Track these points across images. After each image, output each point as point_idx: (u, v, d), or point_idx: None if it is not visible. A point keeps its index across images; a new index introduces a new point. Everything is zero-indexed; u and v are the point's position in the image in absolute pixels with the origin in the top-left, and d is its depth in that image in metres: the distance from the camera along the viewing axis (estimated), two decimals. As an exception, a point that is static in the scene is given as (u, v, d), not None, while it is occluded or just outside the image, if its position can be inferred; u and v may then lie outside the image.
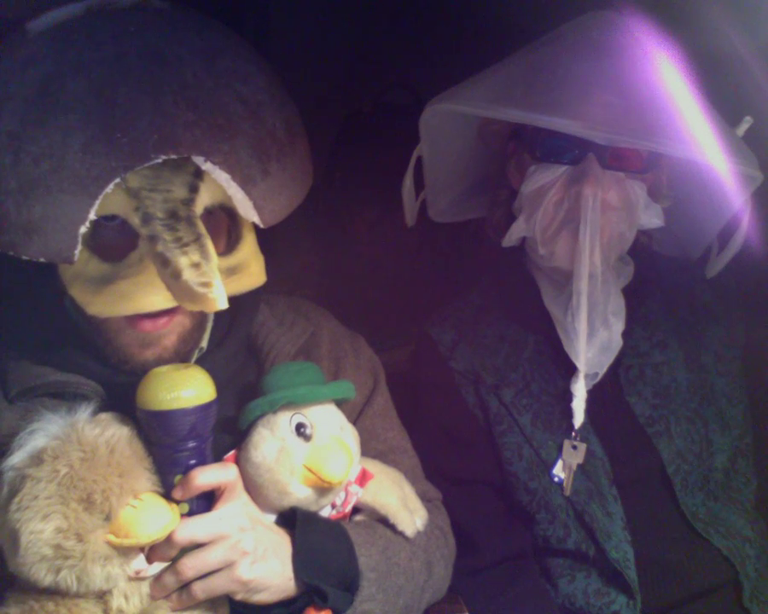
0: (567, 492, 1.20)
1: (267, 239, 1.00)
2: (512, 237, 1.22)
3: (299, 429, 0.94)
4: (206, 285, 0.81)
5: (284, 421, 0.94)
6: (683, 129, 1.03)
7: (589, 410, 1.21)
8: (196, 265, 0.82)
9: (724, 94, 1.12)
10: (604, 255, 1.14)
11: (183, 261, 0.81)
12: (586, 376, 1.18)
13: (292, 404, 0.95)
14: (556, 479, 1.21)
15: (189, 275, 0.81)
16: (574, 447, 1.21)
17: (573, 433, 1.21)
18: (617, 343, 1.19)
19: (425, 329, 1.37)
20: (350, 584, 0.96)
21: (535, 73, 1.12)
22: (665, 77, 1.04)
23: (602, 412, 1.23)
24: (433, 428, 1.30)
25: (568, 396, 1.20)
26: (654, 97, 1.05)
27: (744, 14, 1.03)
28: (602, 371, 1.20)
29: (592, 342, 1.17)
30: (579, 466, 1.21)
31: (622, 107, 1.04)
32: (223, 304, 0.83)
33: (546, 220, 1.16)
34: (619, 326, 1.18)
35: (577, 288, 1.13)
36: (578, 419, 1.19)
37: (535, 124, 1.10)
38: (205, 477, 0.88)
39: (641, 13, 1.12)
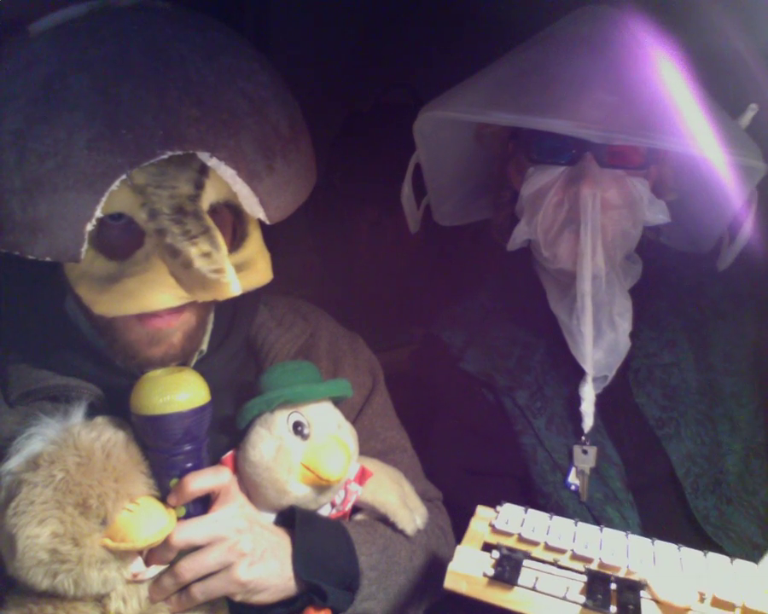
0: (584, 497, 1.18)
1: (267, 238, 1.00)
2: (515, 241, 1.20)
3: (297, 427, 0.94)
4: (218, 271, 0.83)
5: (281, 420, 0.94)
6: (680, 122, 1.01)
7: (602, 414, 1.19)
8: (207, 254, 0.83)
9: (722, 87, 1.11)
10: (609, 255, 1.12)
11: (193, 251, 0.83)
12: (595, 379, 1.16)
13: (289, 403, 0.95)
14: (573, 487, 1.19)
15: (200, 264, 0.82)
16: (585, 451, 1.18)
17: (583, 437, 1.18)
18: (624, 344, 1.17)
19: (434, 332, 1.35)
20: (350, 583, 0.97)
21: (527, 74, 1.10)
22: (659, 70, 1.02)
23: (614, 415, 1.21)
24: (454, 425, 1.29)
25: (580, 400, 1.18)
26: (649, 91, 1.03)
27: (739, 9, 1.02)
28: (611, 373, 1.17)
29: (599, 344, 1.15)
30: (595, 471, 1.18)
31: (616, 103, 1.02)
32: (236, 289, 0.86)
33: (547, 222, 1.14)
34: (625, 326, 1.16)
35: (581, 290, 1.11)
36: (588, 423, 1.17)
37: (528, 127, 1.08)
38: (198, 482, 0.88)
39: (634, 6, 1.11)
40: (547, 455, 1.21)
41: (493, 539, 0.90)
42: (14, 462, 0.82)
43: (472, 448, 1.27)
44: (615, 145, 1.09)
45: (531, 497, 1.23)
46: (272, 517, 0.97)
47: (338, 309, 1.27)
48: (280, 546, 0.92)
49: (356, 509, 1.05)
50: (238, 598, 0.89)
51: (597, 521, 1.16)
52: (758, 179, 1.08)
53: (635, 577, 0.83)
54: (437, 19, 1.90)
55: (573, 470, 1.19)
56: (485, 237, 1.34)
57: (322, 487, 0.94)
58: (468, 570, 0.83)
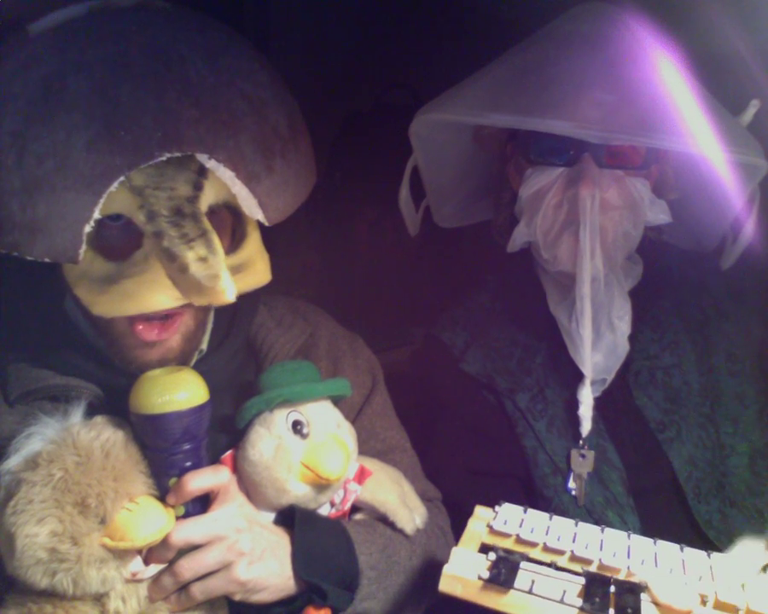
0: (581, 502, 1.17)
1: (267, 239, 1.00)
2: (515, 243, 1.19)
3: (296, 426, 0.94)
4: (213, 277, 0.84)
5: (281, 419, 0.94)
6: (680, 121, 1.00)
7: (603, 417, 1.18)
8: (203, 259, 0.83)
9: (722, 86, 1.10)
10: (610, 256, 1.11)
11: (190, 255, 0.83)
12: (594, 382, 1.15)
13: (288, 402, 0.95)
14: (573, 492, 1.18)
15: (196, 269, 0.83)
16: (582, 456, 1.18)
17: (581, 441, 1.18)
18: (623, 347, 1.16)
19: (435, 333, 1.35)
20: (350, 583, 0.97)
21: (525, 74, 1.09)
22: (659, 68, 1.02)
23: (615, 418, 1.20)
24: (455, 425, 1.29)
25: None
26: (648, 90, 1.02)
27: (739, 8, 1.01)
28: (610, 376, 1.17)
29: (598, 347, 1.14)
30: (596, 475, 1.17)
31: (615, 103, 1.02)
32: (231, 296, 0.86)
33: (546, 224, 1.13)
34: (624, 328, 1.15)
35: (580, 293, 1.10)
36: (585, 427, 1.16)
37: (525, 128, 1.08)
38: (197, 481, 0.88)
39: (633, 4, 1.10)
40: (548, 458, 1.21)
41: (491, 540, 0.89)
42: (13, 461, 0.82)
43: (472, 448, 1.27)
44: (614, 145, 1.08)
45: (532, 500, 1.22)
46: (272, 516, 0.96)
47: (338, 310, 1.27)
48: (279, 545, 0.92)
49: (355, 508, 1.05)
50: (237, 597, 0.89)
51: (598, 525, 1.16)
52: (760, 177, 1.07)
53: (635, 580, 0.82)
54: (436, 19, 1.90)
55: (572, 474, 1.19)
56: (486, 238, 1.34)
57: (321, 486, 0.94)
58: (463, 573, 0.82)
